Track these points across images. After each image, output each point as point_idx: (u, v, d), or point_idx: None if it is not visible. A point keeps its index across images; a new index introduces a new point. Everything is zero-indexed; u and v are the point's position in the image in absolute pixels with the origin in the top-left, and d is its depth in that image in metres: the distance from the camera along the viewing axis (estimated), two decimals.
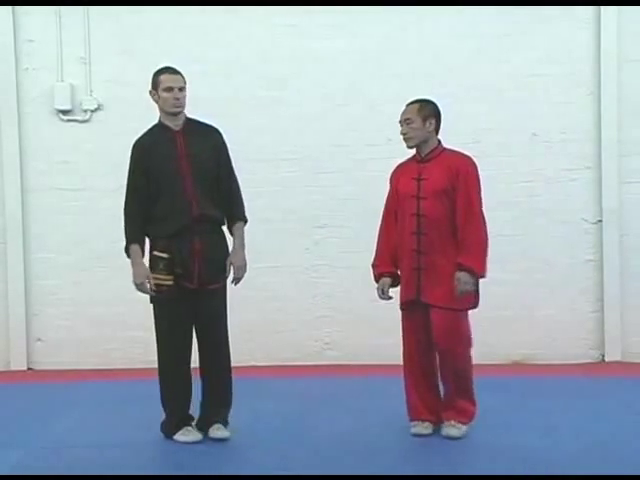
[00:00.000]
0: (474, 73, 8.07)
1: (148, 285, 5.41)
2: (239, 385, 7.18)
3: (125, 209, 5.43)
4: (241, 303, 8.07)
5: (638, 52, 8.07)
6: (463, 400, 5.55)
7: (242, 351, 8.06)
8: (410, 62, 8.09)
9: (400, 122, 5.67)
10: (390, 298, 5.66)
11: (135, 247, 5.39)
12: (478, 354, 7.93)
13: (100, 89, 8.08)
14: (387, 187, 8.08)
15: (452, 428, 5.47)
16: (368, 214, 8.07)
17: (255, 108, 8.05)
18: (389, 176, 5.81)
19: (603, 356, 8.14)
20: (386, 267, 5.65)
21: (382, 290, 5.67)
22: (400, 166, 5.82)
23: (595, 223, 8.11)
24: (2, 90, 8.05)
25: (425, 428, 5.55)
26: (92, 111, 8.10)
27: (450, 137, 8.00)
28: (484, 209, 5.46)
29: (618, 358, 8.07)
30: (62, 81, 8.06)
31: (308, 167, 8.10)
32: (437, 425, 5.57)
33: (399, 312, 8.07)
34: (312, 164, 8.10)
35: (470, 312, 8.10)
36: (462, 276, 5.38)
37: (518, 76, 8.04)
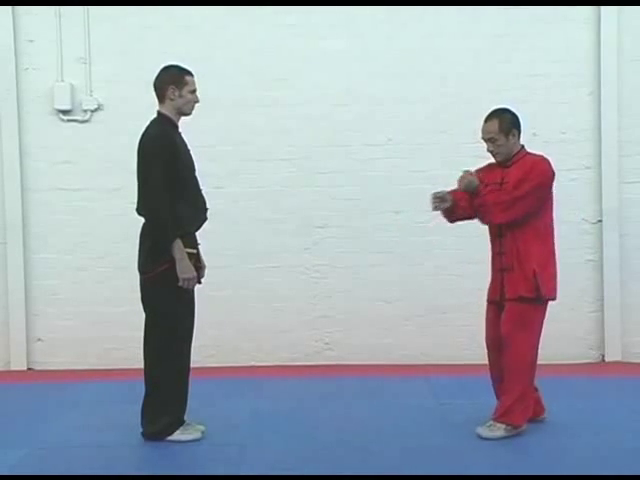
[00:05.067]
0: (474, 73, 8.07)
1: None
2: (239, 385, 7.21)
3: (160, 205, 5.25)
4: (241, 303, 8.13)
5: (638, 52, 8.07)
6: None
7: (242, 351, 8.12)
8: (410, 62, 8.10)
9: (483, 139, 5.68)
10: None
11: (179, 242, 5.29)
12: (478, 355, 7.96)
13: (100, 89, 8.08)
14: (387, 186, 8.13)
15: (484, 428, 5.53)
16: (368, 214, 8.13)
17: (255, 108, 8.05)
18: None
19: (603, 356, 8.15)
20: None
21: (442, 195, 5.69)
22: (489, 166, 5.83)
23: (595, 223, 8.11)
24: (2, 90, 8.05)
25: None
26: (92, 111, 8.10)
27: (450, 137, 8.07)
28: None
29: (618, 358, 8.08)
30: (62, 81, 8.06)
31: (308, 167, 8.10)
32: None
33: (398, 312, 8.13)
34: (312, 164, 8.10)
35: (469, 312, 8.13)
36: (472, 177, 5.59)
37: (518, 76, 8.04)
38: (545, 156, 5.68)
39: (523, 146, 5.72)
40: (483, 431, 5.53)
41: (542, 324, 5.66)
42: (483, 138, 5.69)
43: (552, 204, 5.68)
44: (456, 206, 5.70)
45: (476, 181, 5.63)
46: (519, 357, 5.55)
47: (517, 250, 5.56)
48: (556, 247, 5.73)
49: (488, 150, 5.70)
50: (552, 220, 5.69)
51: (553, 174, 5.60)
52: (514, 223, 5.53)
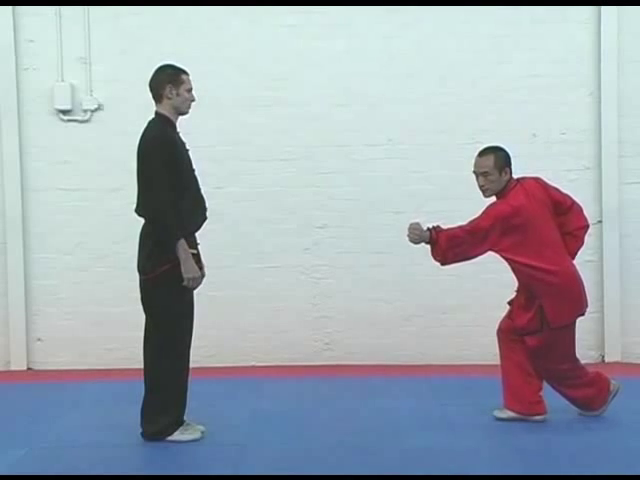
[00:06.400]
0: (474, 73, 8.07)
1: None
2: (239, 385, 7.22)
3: (165, 206, 5.24)
4: (241, 303, 8.13)
5: (638, 52, 8.07)
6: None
7: (242, 351, 8.12)
8: (410, 62, 8.10)
9: (475, 173, 5.77)
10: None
11: (184, 242, 5.29)
12: (477, 355, 7.99)
13: (100, 89, 8.08)
14: (387, 187, 8.14)
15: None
16: (368, 214, 8.13)
17: (255, 108, 8.05)
18: None
19: (603, 356, 8.15)
20: None
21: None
22: None
23: (595, 223, 8.10)
24: (2, 90, 8.05)
25: None
26: (92, 111, 8.10)
27: (450, 137, 8.08)
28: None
29: (618, 358, 8.08)
30: (62, 81, 8.06)
31: (308, 167, 8.10)
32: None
33: (398, 312, 8.12)
34: (312, 164, 8.10)
35: (469, 313, 8.14)
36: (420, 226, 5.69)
37: (518, 76, 8.05)
38: (518, 195, 5.69)
39: (510, 180, 5.76)
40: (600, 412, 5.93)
41: (567, 339, 5.77)
42: (475, 172, 5.78)
43: (539, 229, 5.70)
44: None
45: (426, 232, 5.67)
46: (558, 373, 5.82)
47: (520, 282, 5.79)
48: None
49: (479, 185, 5.77)
50: (546, 241, 5.72)
51: (511, 210, 5.61)
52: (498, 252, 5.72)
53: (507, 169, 5.74)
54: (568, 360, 5.81)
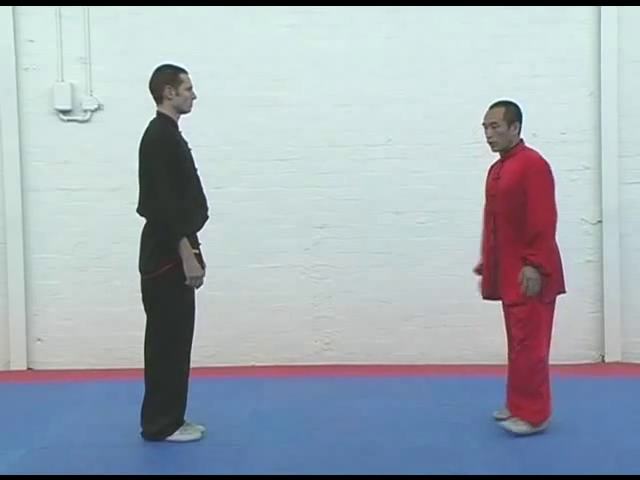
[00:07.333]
0: (474, 73, 8.07)
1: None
2: (239, 385, 7.22)
3: (165, 204, 5.24)
4: (241, 303, 8.13)
5: (638, 52, 8.07)
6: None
7: (242, 351, 8.12)
8: (410, 62, 8.10)
9: (484, 125, 5.75)
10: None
11: (186, 241, 5.29)
12: (477, 355, 7.99)
13: (100, 89, 8.08)
14: (387, 187, 8.14)
15: (511, 423, 5.60)
16: (368, 214, 8.13)
17: (255, 108, 8.05)
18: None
19: (603, 356, 8.15)
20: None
21: None
22: (491, 167, 5.92)
23: (595, 223, 8.11)
24: (2, 90, 8.05)
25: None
26: (92, 111, 8.10)
27: (450, 137, 8.07)
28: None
29: (618, 358, 8.08)
30: (62, 81, 8.06)
31: (308, 167, 8.10)
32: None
33: (398, 312, 8.13)
34: (312, 164, 8.10)
35: (469, 313, 8.13)
36: (525, 270, 5.46)
37: (518, 76, 8.04)
38: (538, 152, 5.68)
39: (522, 140, 5.76)
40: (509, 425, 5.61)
41: (548, 321, 5.65)
42: (485, 123, 5.76)
43: None
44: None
45: (539, 275, 5.44)
46: (531, 359, 5.57)
47: (512, 248, 5.59)
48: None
49: (487, 137, 5.74)
50: None
51: (547, 164, 5.58)
52: (508, 217, 5.59)
53: (517, 124, 5.69)
54: (545, 348, 5.60)
